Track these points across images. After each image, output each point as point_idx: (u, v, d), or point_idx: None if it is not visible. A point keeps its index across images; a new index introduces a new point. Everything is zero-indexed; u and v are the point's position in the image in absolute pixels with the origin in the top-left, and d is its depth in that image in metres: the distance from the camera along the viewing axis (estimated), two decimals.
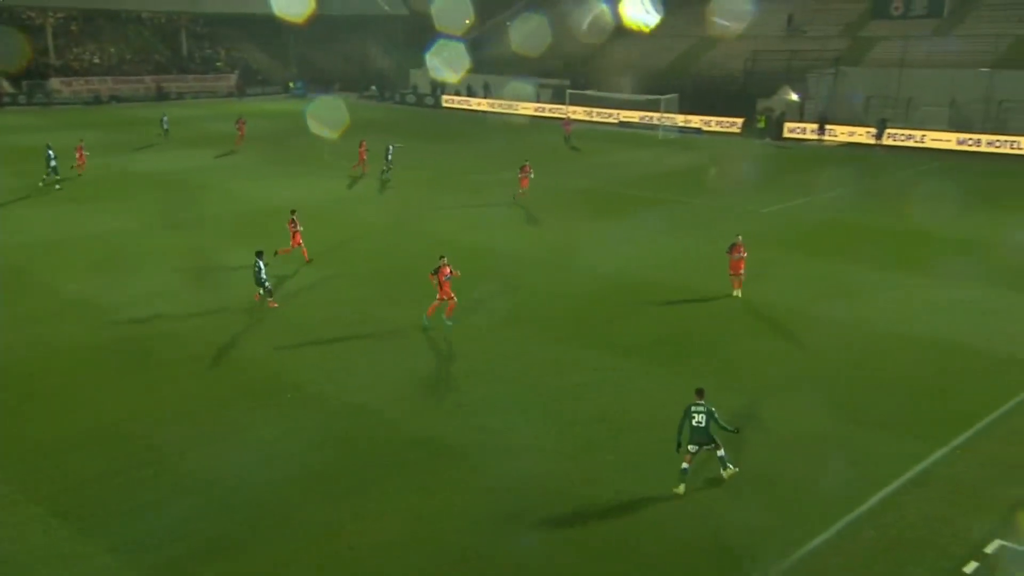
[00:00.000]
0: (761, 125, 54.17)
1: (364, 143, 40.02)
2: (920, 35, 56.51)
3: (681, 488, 13.64)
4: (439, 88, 76.28)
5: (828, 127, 52.65)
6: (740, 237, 23.00)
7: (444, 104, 73.33)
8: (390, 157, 38.56)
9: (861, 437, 15.58)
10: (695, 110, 57.92)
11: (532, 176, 34.42)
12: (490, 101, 70.94)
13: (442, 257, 20.39)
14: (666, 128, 56.70)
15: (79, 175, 38.04)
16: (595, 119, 61.29)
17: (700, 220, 31.93)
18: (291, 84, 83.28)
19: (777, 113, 54.89)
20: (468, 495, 13.61)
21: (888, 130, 50.54)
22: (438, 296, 20.11)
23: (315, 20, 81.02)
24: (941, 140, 49.43)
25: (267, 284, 21.26)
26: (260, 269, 20.92)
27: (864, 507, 13.38)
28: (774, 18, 65.52)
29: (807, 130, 53.41)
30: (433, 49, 75.90)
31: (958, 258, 26.82)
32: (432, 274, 20.09)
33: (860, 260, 26.63)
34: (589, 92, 61.13)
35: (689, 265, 26.08)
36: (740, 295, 22.36)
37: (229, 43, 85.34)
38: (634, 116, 59.92)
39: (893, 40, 56.96)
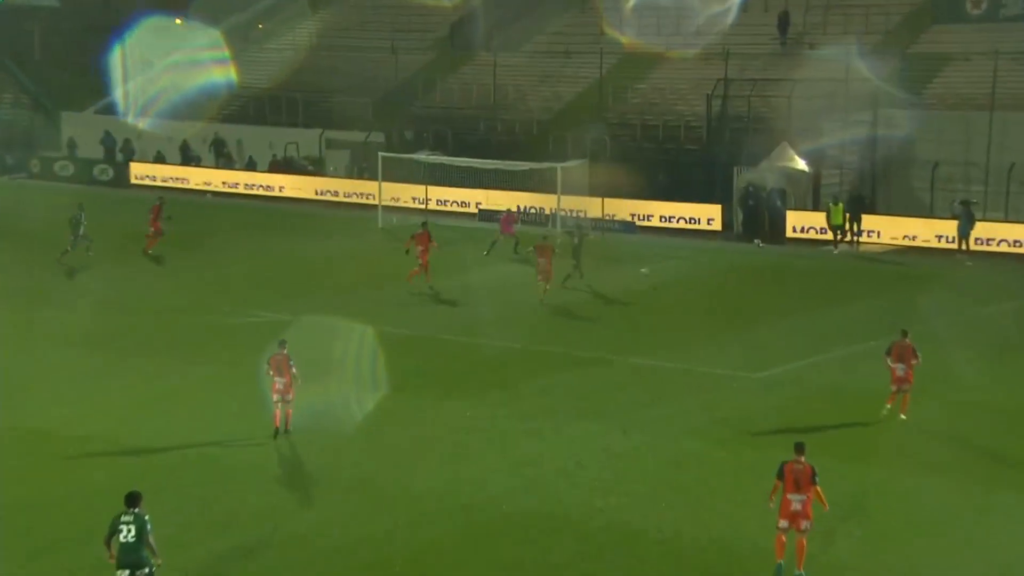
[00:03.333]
0: (836, 220, 54.54)
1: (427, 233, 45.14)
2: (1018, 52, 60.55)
3: None
4: (126, 149, 76.00)
5: (865, 221, 55.30)
6: (908, 336, 30.58)
7: (133, 180, 73.07)
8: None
9: None
10: (621, 188, 59.28)
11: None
12: (227, 174, 71.58)
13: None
14: (571, 223, 57.63)
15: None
16: (435, 207, 63.50)
17: (642, 394, 33.04)
18: None
19: (769, 193, 57.50)
20: None
21: (978, 223, 52.80)
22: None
23: None
24: None
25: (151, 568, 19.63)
26: (129, 532, 19.44)
27: None
28: (754, 20, 69.52)
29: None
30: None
31: None
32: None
33: (968, 469, 27.56)
34: (420, 156, 62.53)
35: (630, 479, 26.68)
36: (905, 417, 30.00)
37: None
38: (506, 200, 61.13)
39: (974, 59, 60.93)
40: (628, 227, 59.01)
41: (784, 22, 68.50)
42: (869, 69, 61.07)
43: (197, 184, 71.92)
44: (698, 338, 38.81)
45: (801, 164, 58.26)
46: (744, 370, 35.16)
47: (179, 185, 72.09)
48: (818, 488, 21.32)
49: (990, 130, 55.99)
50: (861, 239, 55.48)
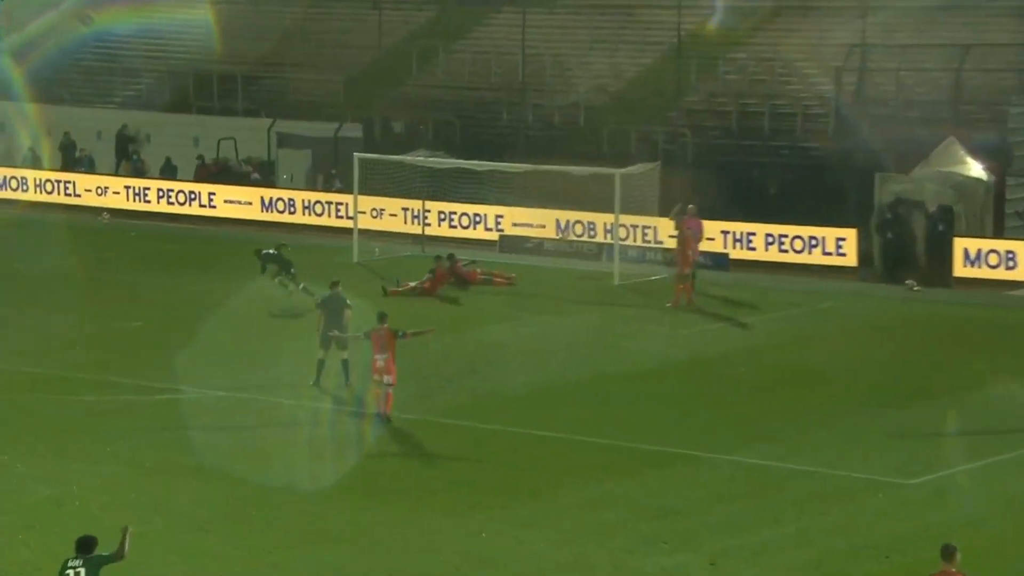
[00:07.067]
0: None
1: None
2: None
3: None
4: None
5: None
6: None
7: None
8: None
9: None
10: (708, 204, 58.37)
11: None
12: (133, 183, 72.49)
13: None
14: (632, 256, 58.27)
15: None
16: (435, 229, 65.26)
17: (744, 508, 32.68)
18: None
19: (929, 212, 57.76)
20: None
21: None
22: None
23: None
24: None
25: None
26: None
27: None
28: None
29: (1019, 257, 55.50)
30: None
31: None
32: None
33: None
34: (417, 159, 63.24)
35: None
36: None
37: None
38: (541, 221, 61.73)
39: None
40: (718, 261, 58.62)
41: None
42: None
43: (87, 198, 72.18)
44: (825, 426, 38.72)
45: (976, 170, 57.97)
46: (895, 474, 34.73)
47: (58, 199, 73.15)
48: None
49: None
50: None
